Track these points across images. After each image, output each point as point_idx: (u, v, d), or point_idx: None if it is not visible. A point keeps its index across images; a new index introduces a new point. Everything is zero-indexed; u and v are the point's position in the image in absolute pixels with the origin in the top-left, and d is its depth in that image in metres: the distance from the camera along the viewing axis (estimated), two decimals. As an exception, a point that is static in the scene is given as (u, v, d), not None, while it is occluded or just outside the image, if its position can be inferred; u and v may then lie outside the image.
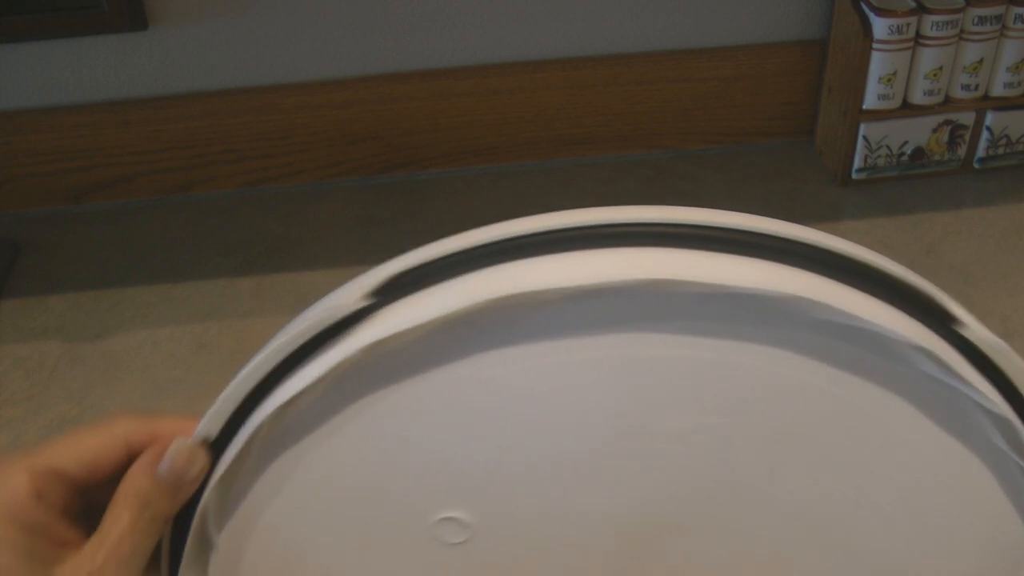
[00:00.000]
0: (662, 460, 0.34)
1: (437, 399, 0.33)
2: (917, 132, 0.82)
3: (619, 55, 0.85)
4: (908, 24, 0.77)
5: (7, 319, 0.75)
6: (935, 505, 0.34)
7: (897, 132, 0.82)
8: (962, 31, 0.78)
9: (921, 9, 0.77)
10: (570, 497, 0.35)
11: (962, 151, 0.84)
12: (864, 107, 0.81)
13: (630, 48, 0.85)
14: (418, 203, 0.85)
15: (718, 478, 0.34)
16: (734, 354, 0.32)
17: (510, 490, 0.35)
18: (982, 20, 0.77)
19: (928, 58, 0.78)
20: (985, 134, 0.83)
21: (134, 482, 0.34)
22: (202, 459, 0.34)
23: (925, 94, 0.80)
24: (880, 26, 0.77)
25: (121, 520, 0.33)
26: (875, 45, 0.78)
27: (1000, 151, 0.84)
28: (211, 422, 0.34)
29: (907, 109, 0.81)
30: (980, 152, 0.84)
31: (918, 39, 0.78)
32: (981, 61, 0.79)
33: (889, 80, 0.79)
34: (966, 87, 0.80)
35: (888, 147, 0.83)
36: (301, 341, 0.32)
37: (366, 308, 0.31)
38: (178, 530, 0.35)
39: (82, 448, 0.34)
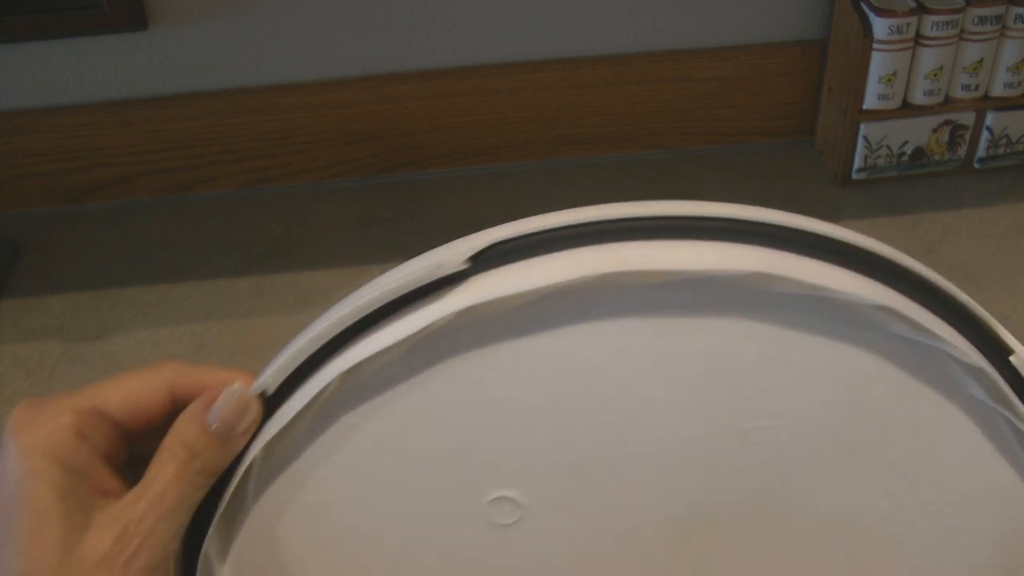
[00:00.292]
0: (727, 459, 0.33)
1: (517, 373, 0.31)
2: (917, 132, 0.82)
3: (619, 55, 0.85)
4: (908, 24, 0.77)
5: (7, 319, 0.75)
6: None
7: (897, 132, 0.82)
8: (962, 31, 0.78)
9: (921, 9, 0.77)
10: (628, 489, 0.34)
11: (962, 151, 0.84)
12: (864, 107, 0.81)
13: (630, 48, 0.85)
14: (418, 203, 0.85)
15: (770, 481, 0.34)
16: (814, 357, 0.31)
17: (571, 473, 0.33)
18: (982, 20, 0.77)
19: (928, 58, 0.78)
20: (985, 134, 0.83)
21: (181, 431, 0.31)
22: (255, 410, 0.32)
23: (925, 94, 0.80)
24: (880, 26, 0.77)
25: (166, 470, 0.31)
26: (875, 45, 0.77)
27: (1000, 151, 0.84)
28: (276, 375, 0.31)
29: (907, 109, 0.81)
30: (980, 152, 0.84)
31: (918, 39, 0.78)
32: (981, 61, 0.79)
33: (889, 80, 0.79)
34: (966, 87, 0.80)
35: (888, 147, 0.83)
36: (393, 296, 0.30)
37: (464, 272, 0.30)
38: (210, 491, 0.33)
39: (125, 391, 0.33)
